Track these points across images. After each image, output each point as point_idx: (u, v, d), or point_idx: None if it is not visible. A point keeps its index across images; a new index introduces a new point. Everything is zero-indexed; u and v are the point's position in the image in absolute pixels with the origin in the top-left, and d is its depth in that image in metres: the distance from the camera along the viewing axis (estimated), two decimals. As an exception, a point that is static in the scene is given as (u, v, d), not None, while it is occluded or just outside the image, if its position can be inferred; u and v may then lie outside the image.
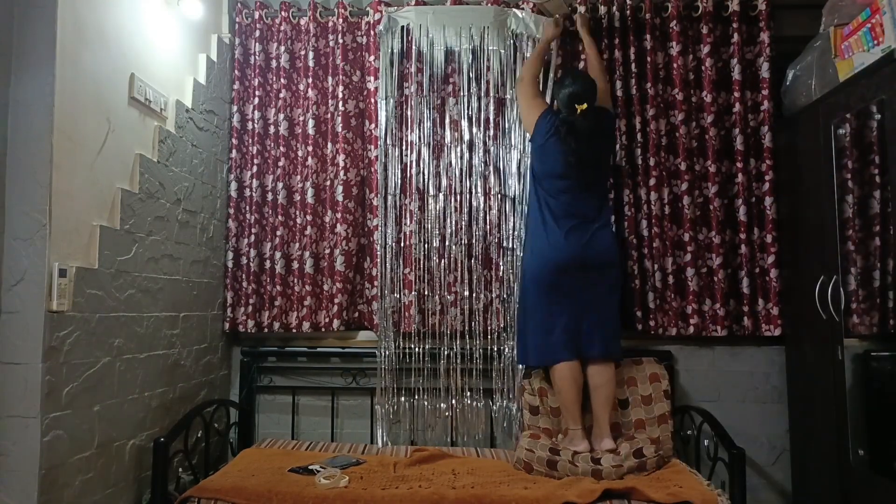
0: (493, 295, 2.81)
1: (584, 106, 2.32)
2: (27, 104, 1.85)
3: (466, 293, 2.81)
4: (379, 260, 2.84)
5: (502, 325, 2.79)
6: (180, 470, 2.44)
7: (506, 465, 2.40)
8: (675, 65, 2.81)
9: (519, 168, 2.83)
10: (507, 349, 2.78)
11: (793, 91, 2.65)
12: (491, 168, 2.85)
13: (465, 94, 2.87)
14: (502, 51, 2.86)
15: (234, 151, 2.98)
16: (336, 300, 2.85)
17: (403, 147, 2.89)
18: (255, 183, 2.95)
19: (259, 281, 2.93)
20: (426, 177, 2.87)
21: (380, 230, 2.85)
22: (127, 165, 2.23)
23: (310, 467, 2.28)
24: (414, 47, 2.90)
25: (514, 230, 2.82)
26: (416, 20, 2.89)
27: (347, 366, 2.94)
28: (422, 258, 2.84)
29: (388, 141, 2.87)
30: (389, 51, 2.89)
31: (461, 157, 2.86)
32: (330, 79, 2.97)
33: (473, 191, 2.85)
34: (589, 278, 2.34)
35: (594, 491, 2.01)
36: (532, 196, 2.50)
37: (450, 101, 2.90)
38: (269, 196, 2.97)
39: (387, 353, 2.81)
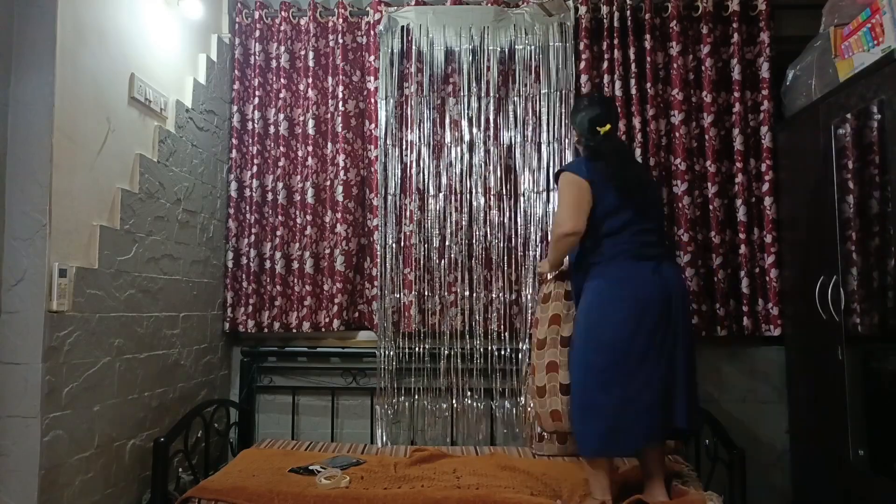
0: (493, 295, 2.81)
1: (608, 127, 2.10)
2: (27, 104, 1.85)
3: (467, 293, 2.81)
4: (379, 260, 2.84)
5: (502, 326, 2.79)
6: (180, 470, 2.44)
7: (506, 462, 2.39)
8: (674, 65, 2.81)
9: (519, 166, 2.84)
10: (506, 349, 2.78)
11: (793, 91, 2.65)
12: (491, 168, 2.85)
13: (465, 94, 2.88)
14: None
15: (234, 151, 2.97)
16: (336, 300, 2.85)
17: (403, 147, 2.89)
18: (255, 183, 2.95)
19: (259, 281, 2.93)
20: (426, 177, 2.87)
21: (380, 230, 2.85)
22: (127, 165, 2.23)
23: (310, 467, 2.28)
24: (414, 47, 2.90)
25: (515, 230, 2.83)
26: (416, 20, 2.89)
27: (347, 366, 2.94)
28: (422, 258, 2.84)
29: (388, 141, 2.87)
30: (389, 51, 2.89)
31: (461, 157, 2.86)
32: (330, 79, 2.97)
33: (473, 191, 2.85)
34: (668, 325, 1.94)
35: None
36: (585, 252, 2.09)
37: (450, 101, 2.90)
38: (269, 196, 2.97)
39: (387, 353, 2.81)
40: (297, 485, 2.11)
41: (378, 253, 2.85)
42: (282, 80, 2.98)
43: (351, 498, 2.01)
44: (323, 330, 2.89)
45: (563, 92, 2.82)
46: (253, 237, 2.93)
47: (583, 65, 2.83)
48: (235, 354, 3.00)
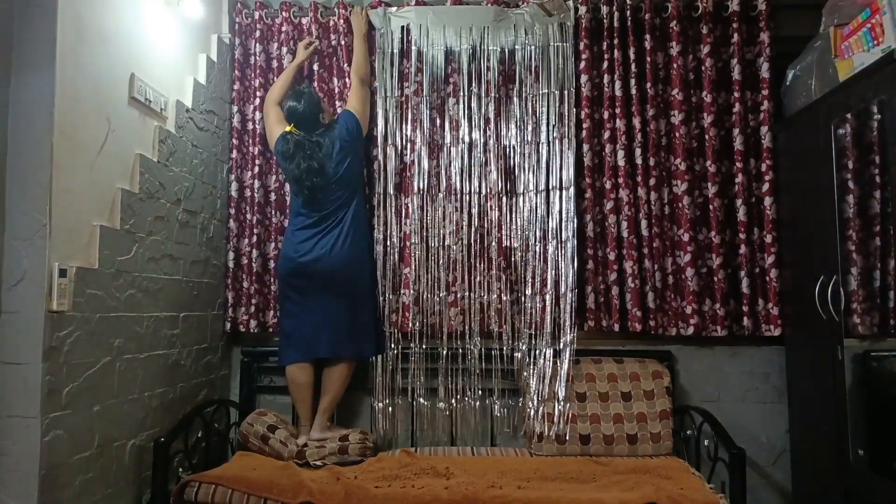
0: (493, 295, 2.81)
1: (290, 127, 2.65)
2: (27, 104, 1.85)
3: (466, 293, 2.81)
4: (379, 260, 2.84)
5: (502, 326, 2.79)
6: (180, 470, 2.44)
7: (501, 463, 2.40)
8: (674, 65, 2.81)
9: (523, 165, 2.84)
10: (506, 349, 2.78)
11: (793, 91, 2.65)
12: (491, 168, 2.85)
13: (465, 94, 2.87)
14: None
15: (234, 151, 2.97)
16: (336, 300, 2.85)
17: (403, 147, 2.89)
18: (255, 183, 2.95)
19: (260, 281, 2.93)
20: (426, 177, 2.87)
21: (379, 230, 2.85)
22: (127, 165, 2.23)
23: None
24: (414, 47, 2.90)
25: (515, 230, 2.83)
26: (416, 20, 2.89)
27: (347, 366, 2.93)
28: (422, 258, 2.84)
29: (388, 141, 2.87)
30: (389, 51, 2.89)
31: (461, 157, 2.86)
32: (331, 79, 2.97)
33: (473, 191, 2.85)
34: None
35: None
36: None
37: (450, 101, 2.90)
38: (270, 196, 2.97)
39: (386, 352, 2.81)
40: (297, 475, 2.12)
41: (378, 253, 2.85)
42: (282, 80, 2.98)
43: (343, 495, 2.02)
44: (323, 330, 2.89)
45: (564, 92, 2.82)
46: (254, 237, 2.93)
47: (583, 65, 2.83)
48: (235, 354, 3.00)
